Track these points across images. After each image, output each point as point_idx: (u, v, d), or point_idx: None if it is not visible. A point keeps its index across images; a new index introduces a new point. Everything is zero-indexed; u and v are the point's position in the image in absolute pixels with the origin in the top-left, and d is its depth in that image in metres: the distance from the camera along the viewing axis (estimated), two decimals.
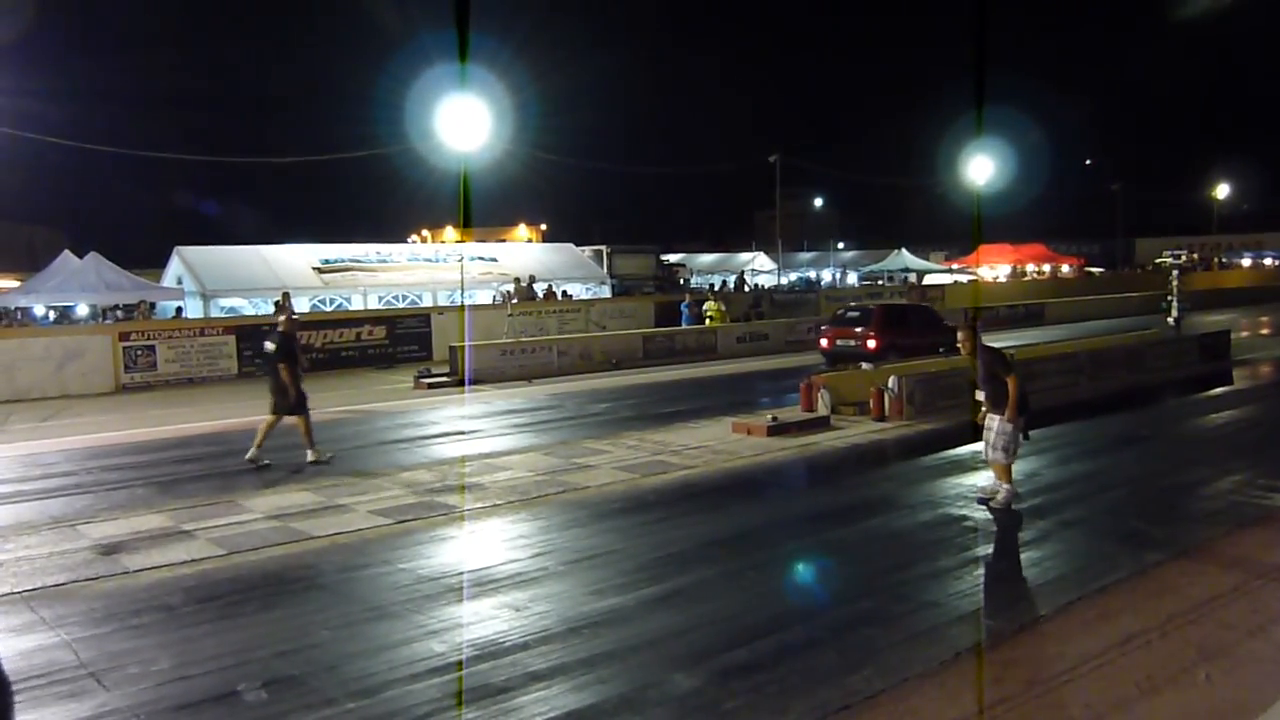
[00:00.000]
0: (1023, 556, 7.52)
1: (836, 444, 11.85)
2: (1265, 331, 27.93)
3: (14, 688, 5.15)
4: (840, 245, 69.29)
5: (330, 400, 16.10)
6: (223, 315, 24.10)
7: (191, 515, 8.90)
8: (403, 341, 23.47)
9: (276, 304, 23.55)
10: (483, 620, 6.16)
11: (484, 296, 28.63)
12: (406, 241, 46.12)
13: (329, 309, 26.27)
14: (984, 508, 8.62)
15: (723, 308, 26.49)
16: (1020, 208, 59.27)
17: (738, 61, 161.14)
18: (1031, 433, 8.83)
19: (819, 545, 7.94)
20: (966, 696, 4.97)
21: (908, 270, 50.84)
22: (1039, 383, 13.71)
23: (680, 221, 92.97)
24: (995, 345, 9.34)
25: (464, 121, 21.37)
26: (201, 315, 24.31)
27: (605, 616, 6.18)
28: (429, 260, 30.61)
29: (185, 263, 26.40)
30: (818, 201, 79.37)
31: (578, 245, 36.71)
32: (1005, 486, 8.63)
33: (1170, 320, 24.01)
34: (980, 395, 8.82)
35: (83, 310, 26.81)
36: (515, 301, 25.59)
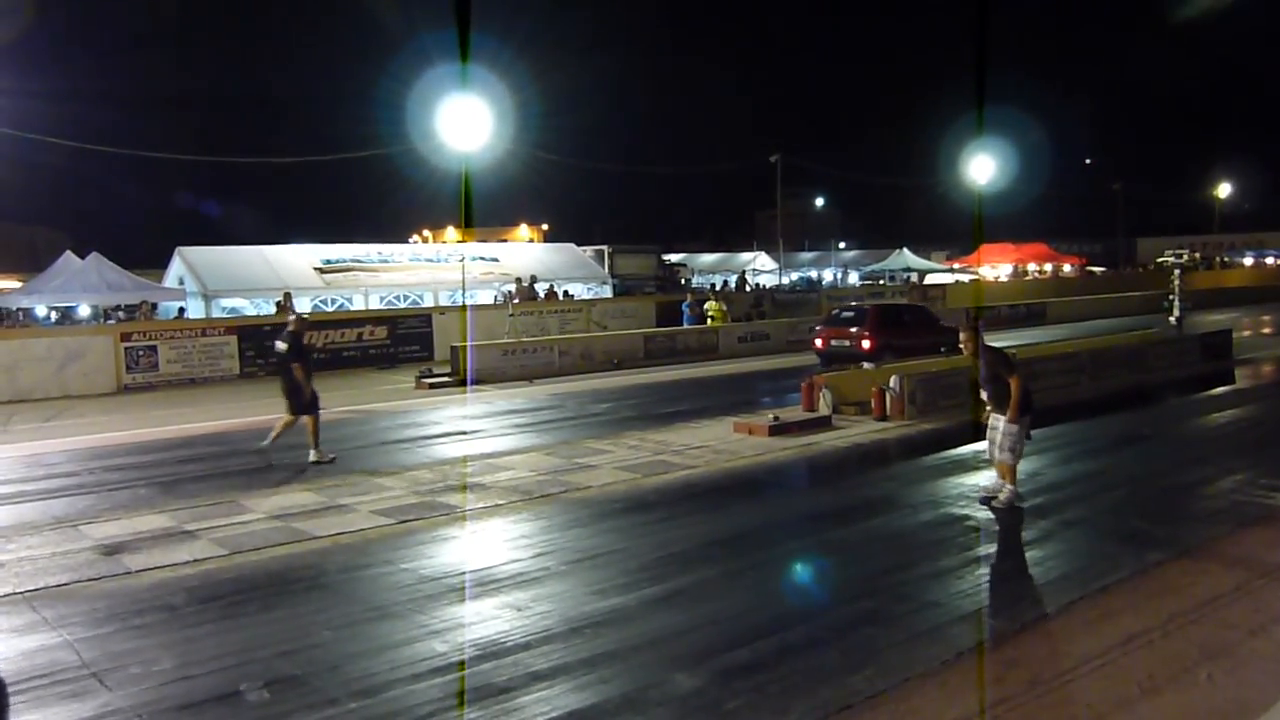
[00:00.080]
0: (1024, 556, 7.51)
1: (838, 444, 11.85)
2: (1267, 331, 27.90)
3: (17, 688, 5.18)
4: (842, 245, 69.36)
5: (332, 400, 16.05)
6: (224, 316, 24.12)
7: (194, 515, 8.91)
8: (404, 342, 23.49)
9: (278, 304, 23.58)
10: (485, 620, 6.16)
11: (485, 296, 28.65)
12: (408, 241, 46.12)
13: (330, 309, 26.28)
14: (986, 507, 8.62)
15: (724, 307, 26.49)
16: (1022, 207, 59.32)
17: (739, 61, 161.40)
18: (1033, 432, 8.81)
19: (820, 545, 7.94)
20: (968, 696, 4.97)
21: (909, 270, 50.84)
22: (1041, 382, 13.69)
23: (681, 221, 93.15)
24: (997, 345, 9.33)
25: (465, 121, 21.41)
26: (203, 315, 24.33)
27: (607, 616, 6.18)
28: (430, 260, 30.63)
29: (187, 263, 26.43)
30: (819, 201, 79.42)
31: (579, 245, 36.73)
32: (1008, 486, 8.62)
33: (1172, 320, 23.96)
34: (984, 395, 8.82)
35: (84, 311, 26.84)
36: (517, 301, 25.59)
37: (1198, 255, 47.55)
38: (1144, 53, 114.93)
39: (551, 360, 21.21)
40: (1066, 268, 58.17)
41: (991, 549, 7.66)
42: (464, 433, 13.82)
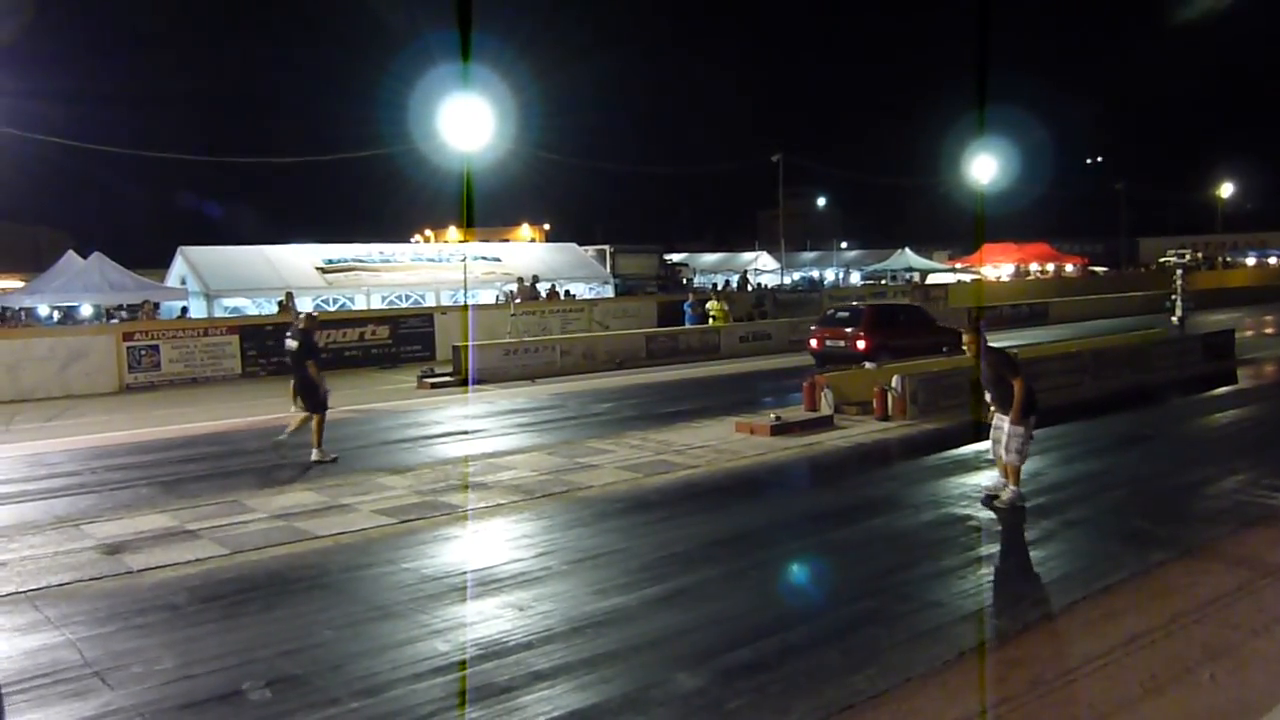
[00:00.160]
0: (1027, 556, 7.50)
1: (840, 444, 11.84)
2: (1270, 331, 27.86)
3: (19, 687, 5.18)
4: (843, 245, 69.34)
5: (334, 400, 16.04)
6: (226, 315, 24.14)
7: (195, 515, 8.92)
8: (406, 341, 23.50)
9: (280, 304, 23.60)
10: (486, 620, 6.16)
11: (487, 296, 28.67)
12: (410, 241, 46.13)
13: (332, 309, 26.28)
14: (988, 507, 8.61)
15: (726, 307, 26.47)
16: (1024, 207, 59.39)
17: (740, 61, 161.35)
18: (1035, 432, 8.80)
19: (822, 545, 7.94)
20: (970, 696, 4.96)
21: (911, 270, 50.80)
22: (1043, 382, 13.62)
23: (683, 221, 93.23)
24: (1000, 346, 9.31)
25: (467, 121, 21.43)
26: (205, 315, 24.37)
27: (609, 616, 6.18)
28: (432, 260, 30.65)
29: (189, 263, 26.47)
30: (821, 201, 79.35)
31: (581, 245, 36.77)
32: (1012, 486, 8.60)
33: (1174, 320, 23.92)
34: (987, 396, 8.80)
35: (87, 310, 26.87)
36: (518, 301, 25.60)
37: (1200, 255, 47.53)
38: (1147, 51, 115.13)
39: (553, 360, 21.22)
40: (1069, 267, 58.11)
41: (993, 549, 7.65)
42: (466, 432, 13.82)
